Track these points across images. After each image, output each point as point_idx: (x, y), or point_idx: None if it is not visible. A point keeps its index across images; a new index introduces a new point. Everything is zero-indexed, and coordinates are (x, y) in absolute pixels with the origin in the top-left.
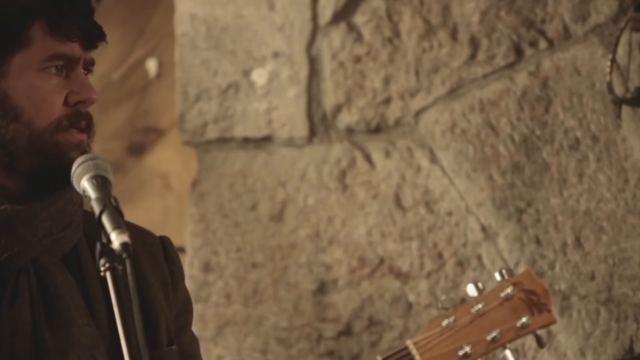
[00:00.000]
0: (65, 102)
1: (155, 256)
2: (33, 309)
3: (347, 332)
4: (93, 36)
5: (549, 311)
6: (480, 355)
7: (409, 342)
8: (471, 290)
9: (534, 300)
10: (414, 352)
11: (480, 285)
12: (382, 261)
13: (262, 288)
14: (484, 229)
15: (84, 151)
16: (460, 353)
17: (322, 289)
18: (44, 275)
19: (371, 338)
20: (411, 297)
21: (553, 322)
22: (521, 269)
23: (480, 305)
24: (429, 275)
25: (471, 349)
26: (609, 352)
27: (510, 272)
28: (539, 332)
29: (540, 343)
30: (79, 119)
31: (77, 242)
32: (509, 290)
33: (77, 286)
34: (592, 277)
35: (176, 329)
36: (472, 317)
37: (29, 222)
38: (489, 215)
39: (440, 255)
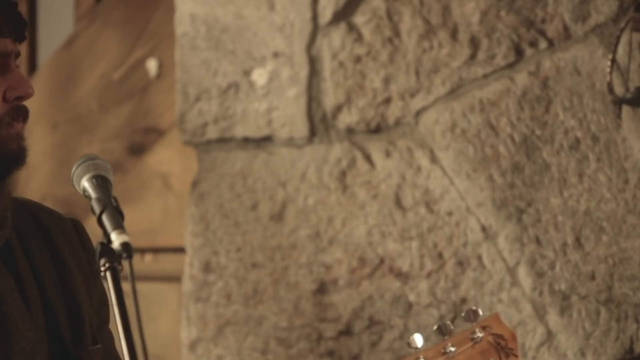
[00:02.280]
0: (4, 99)
1: (72, 245)
2: None
3: (347, 332)
4: (23, 28)
5: (516, 356)
6: None
7: None
8: (438, 331)
9: (501, 344)
10: None
11: (449, 324)
12: (382, 261)
13: (262, 288)
14: (484, 229)
15: (21, 139)
16: None
17: (322, 289)
18: None
19: (371, 338)
20: (411, 297)
21: None
22: (521, 268)
23: (450, 347)
24: (429, 275)
25: None
26: (609, 352)
27: (475, 313)
28: None
29: None
30: (18, 113)
31: (8, 237)
32: (477, 332)
33: (15, 287)
34: (592, 277)
35: (97, 323)
36: (443, 358)
37: None
38: (489, 215)
39: (440, 255)
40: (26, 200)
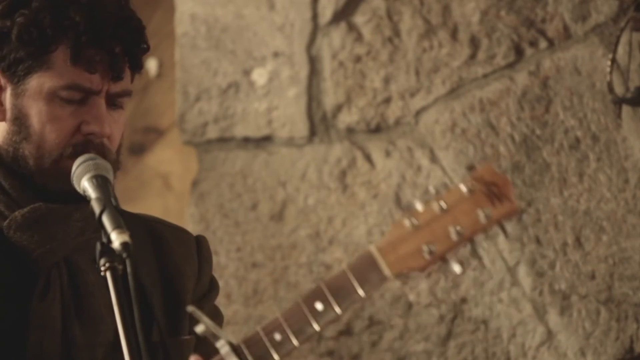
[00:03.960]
0: (78, 130)
1: (189, 250)
2: (63, 305)
3: (347, 331)
4: (119, 68)
5: (510, 200)
6: (445, 252)
7: (371, 247)
8: (431, 191)
9: (494, 192)
10: (377, 255)
11: (445, 183)
12: None
13: (262, 288)
14: None
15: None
16: (424, 251)
17: None
18: (75, 273)
19: (371, 338)
20: (411, 297)
21: (515, 210)
22: (521, 267)
23: (441, 203)
24: (429, 275)
25: (435, 246)
26: (609, 352)
27: (471, 168)
28: (503, 222)
29: (505, 233)
30: (87, 148)
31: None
32: (469, 185)
33: (103, 283)
34: (592, 277)
35: (196, 298)
36: (434, 215)
37: (62, 221)
38: None
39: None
40: (151, 216)
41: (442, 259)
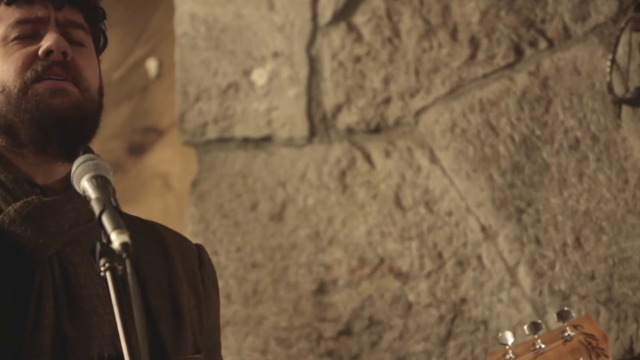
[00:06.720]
0: (37, 57)
1: (189, 262)
2: (56, 300)
3: (347, 332)
4: None
5: (607, 356)
6: None
7: None
8: (529, 328)
9: (592, 344)
10: None
11: (540, 322)
12: (382, 261)
13: (262, 288)
14: (483, 228)
15: (66, 96)
16: None
17: (322, 289)
18: (67, 266)
19: (371, 338)
20: (411, 297)
21: None
22: (521, 267)
23: (540, 344)
24: (429, 275)
25: None
26: (609, 352)
27: (567, 313)
28: None
29: None
30: (51, 66)
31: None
32: (568, 331)
33: (98, 274)
34: (592, 277)
35: (210, 346)
36: (533, 354)
37: (54, 214)
38: (489, 215)
39: (440, 255)
40: (151, 221)
41: None
